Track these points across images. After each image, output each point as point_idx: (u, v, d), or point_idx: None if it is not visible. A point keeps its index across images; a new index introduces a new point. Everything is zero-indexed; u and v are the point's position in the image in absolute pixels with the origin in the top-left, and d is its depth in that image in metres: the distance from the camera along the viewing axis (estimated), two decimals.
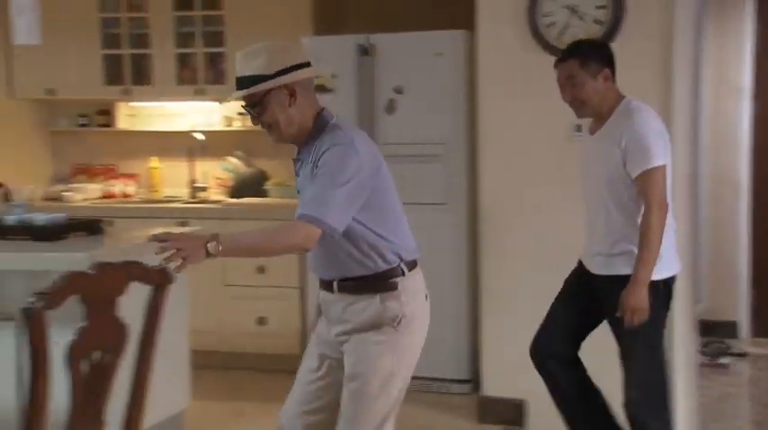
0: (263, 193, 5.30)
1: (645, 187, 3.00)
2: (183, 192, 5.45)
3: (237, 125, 5.39)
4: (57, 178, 5.69)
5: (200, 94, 5.26)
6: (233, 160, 5.41)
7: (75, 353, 1.95)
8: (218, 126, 5.41)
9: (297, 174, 2.53)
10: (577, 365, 3.24)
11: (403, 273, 2.45)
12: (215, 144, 5.38)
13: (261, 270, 4.87)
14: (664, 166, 3.02)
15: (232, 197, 5.33)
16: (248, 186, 5.34)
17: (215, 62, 5.23)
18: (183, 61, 5.26)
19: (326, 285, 2.51)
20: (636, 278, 2.97)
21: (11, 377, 3.19)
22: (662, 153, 3.02)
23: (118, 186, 5.54)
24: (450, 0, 4.80)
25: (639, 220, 3.01)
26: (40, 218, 3.66)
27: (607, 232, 3.09)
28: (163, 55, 5.23)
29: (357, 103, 4.53)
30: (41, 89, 5.37)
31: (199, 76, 5.24)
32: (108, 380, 2.06)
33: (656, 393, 3.11)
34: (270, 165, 5.41)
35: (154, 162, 5.57)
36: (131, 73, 5.31)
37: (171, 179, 5.56)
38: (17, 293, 3.34)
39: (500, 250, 4.08)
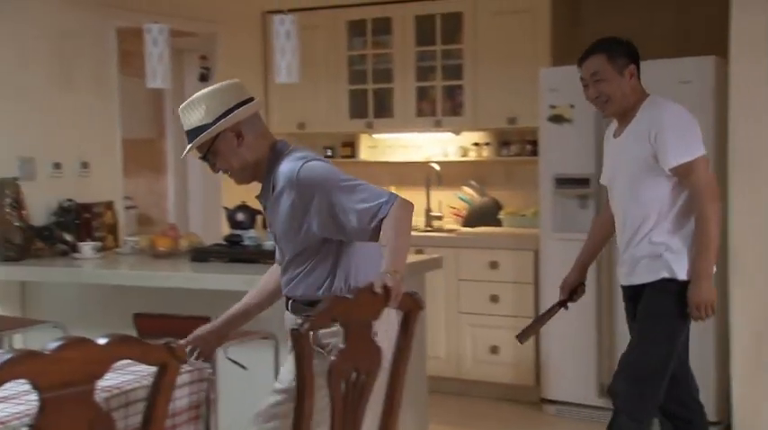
0: (496, 223, 5.35)
1: (689, 180, 2.86)
2: (419, 220, 5.61)
3: (472, 155, 5.50)
4: None
5: (437, 126, 5.42)
6: (468, 190, 5.51)
7: (334, 373, 2.08)
8: (454, 156, 5.54)
9: (264, 208, 2.52)
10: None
11: None
12: (450, 174, 5.50)
13: (494, 299, 4.91)
14: (706, 156, 2.90)
15: (466, 226, 5.42)
16: (482, 215, 5.41)
17: (453, 94, 5.37)
18: (423, 94, 5.45)
19: (285, 301, 2.53)
20: (697, 273, 2.85)
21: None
22: (699, 143, 2.90)
23: None
24: (698, 24, 4.62)
25: (670, 221, 2.91)
26: None
27: (641, 234, 2.97)
28: (404, 88, 5.45)
29: (596, 134, 4.46)
30: (294, 123, 5.77)
31: (437, 108, 5.40)
32: (363, 400, 2.17)
33: (647, 391, 2.94)
34: (504, 195, 5.45)
35: (392, 191, 5.77)
36: (374, 106, 5.58)
37: None
38: (271, 314, 3.61)
39: (751, 287, 3.84)
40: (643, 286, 3.01)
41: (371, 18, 5.50)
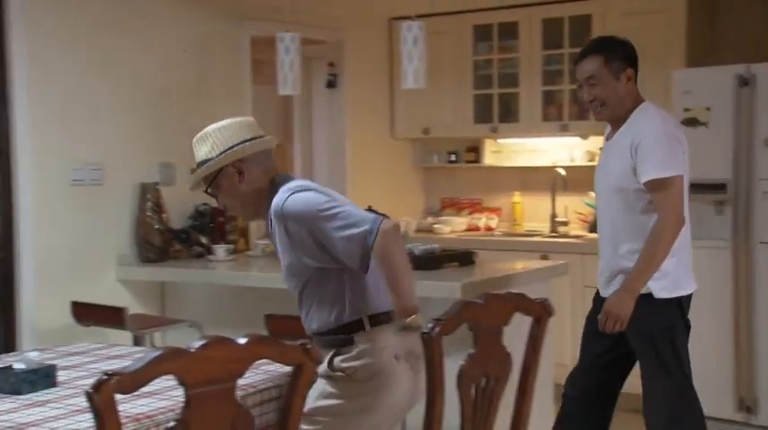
0: None
1: (658, 197, 2.79)
2: (544, 226, 5.53)
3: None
4: (428, 211, 6.10)
5: (564, 130, 5.34)
6: (594, 195, 5.39)
7: (465, 378, 2.08)
8: (581, 161, 5.43)
9: (274, 245, 2.48)
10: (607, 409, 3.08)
11: (363, 328, 2.33)
12: (577, 179, 5.39)
13: None
14: (681, 177, 2.84)
15: (593, 232, 5.30)
16: None
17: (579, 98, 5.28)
18: (549, 98, 5.38)
19: (309, 339, 2.45)
20: (625, 285, 2.80)
21: None
22: (679, 163, 2.82)
23: (482, 220, 5.78)
24: None
25: (635, 238, 2.87)
26: (418, 248, 3.95)
27: (616, 245, 2.92)
28: (530, 93, 5.39)
29: (734, 137, 4.29)
30: (418, 129, 5.80)
31: (564, 112, 5.32)
32: (493, 406, 2.16)
33: (679, 422, 2.86)
34: None
35: (516, 196, 5.74)
36: (499, 111, 5.55)
37: (532, 213, 5.67)
38: None
39: None
40: None
41: (498, 22, 5.47)
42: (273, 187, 2.42)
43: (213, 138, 2.42)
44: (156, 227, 4.25)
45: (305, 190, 2.38)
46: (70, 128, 4.07)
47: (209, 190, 2.46)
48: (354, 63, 5.56)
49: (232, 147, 2.39)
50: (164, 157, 4.45)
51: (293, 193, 2.36)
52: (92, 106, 4.15)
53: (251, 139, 2.42)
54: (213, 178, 2.42)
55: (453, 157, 5.91)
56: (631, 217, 2.91)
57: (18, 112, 3.88)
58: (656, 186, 2.82)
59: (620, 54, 2.96)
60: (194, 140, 2.48)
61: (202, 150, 2.43)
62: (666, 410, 2.93)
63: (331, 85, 5.54)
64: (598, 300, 3.09)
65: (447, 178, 6.06)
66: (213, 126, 2.46)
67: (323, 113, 5.74)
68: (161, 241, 4.27)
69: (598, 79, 2.93)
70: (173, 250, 4.34)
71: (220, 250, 4.32)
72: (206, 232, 4.48)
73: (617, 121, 2.99)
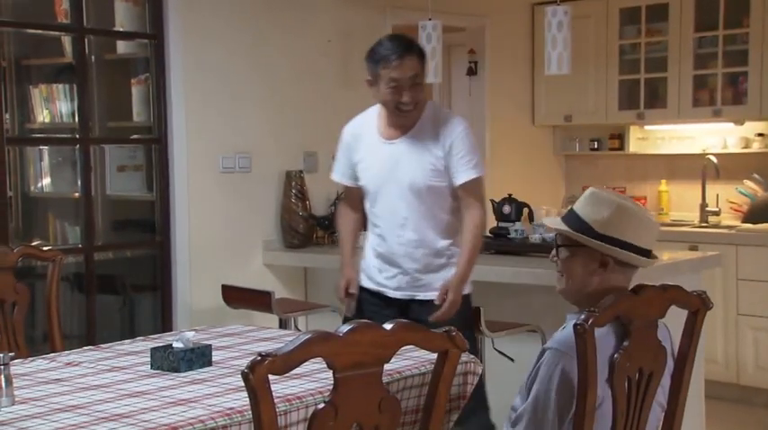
0: None
1: (477, 194, 2.94)
2: (693, 215, 5.32)
3: (756, 147, 5.13)
4: (568, 200, 5.96)
5: (716, 116, 5.10)
6: (750, 184, 5.14)
7: (617, 371, 2.01)
8: (734, 148, 5.19)
9: None
10: None
11: None
12: (730, 166, 5.16)
13: None
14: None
15: (747, 222, 5.06)
16: (767, 211, 5.02)
17: (734, 82, 5.05)
18: (701, 82, 5.17)
19: None
20: (464, 275, 2.92)
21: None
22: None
23: None
24: None
25: (451, 232, 2.95)
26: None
27: (420, 246, 2.89)
28: (679, 77, 5.18)
29: None
30: (559, 116, 5.68)
31: (717, 96, 5.09)
32: (647, 401, 2.09)
33: None
34: None
35: (662, 185, 5.53)
36: (645, 97, 5.35)
37: (679, 202, 5.47)
38: (538, 306, 3.58)
39: None
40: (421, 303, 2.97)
41: (646, 5, 5.29)
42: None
43: (612, 214, 2.05)
44: (300, 214, 4.36)
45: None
46: (221, 118, 4.22)
47: (558, 248, 2.13)
48: (495, 50, 5.49)
49: (620, 242, 2.05)
50: (307, 146, 4.55)
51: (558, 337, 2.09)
52: (241, 97, 4.29)
53: (641, 251, 2.09)
54: (574, 247, 2.09)
55: (595, 145, 5.76)
56: (440, 216, 2.96)
57: (174, 103, 4.06)
58: (471, 186, 2.92)
59: (424, 53, 2.94)
60: (591, 192, 2.12)
61: (591, 210, 2.07)
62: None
63: (471, 72, 5.50)
64: (379, 300, 3.08)
65: (589, 166, 5.91)
66: (623, 201, 2.09)
67: (463, 101, 5.71)
68: (305, 227, 4.37)
69: (420, 78, 2.87)
70: (316, 236, 4.44)
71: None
72: None
73: (408, 121, 2.95)
